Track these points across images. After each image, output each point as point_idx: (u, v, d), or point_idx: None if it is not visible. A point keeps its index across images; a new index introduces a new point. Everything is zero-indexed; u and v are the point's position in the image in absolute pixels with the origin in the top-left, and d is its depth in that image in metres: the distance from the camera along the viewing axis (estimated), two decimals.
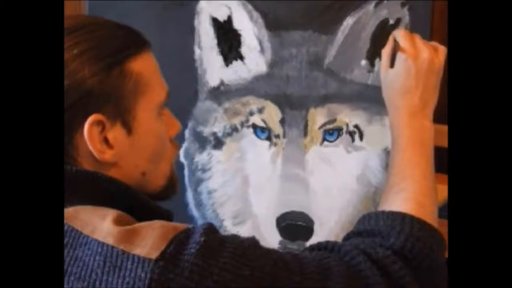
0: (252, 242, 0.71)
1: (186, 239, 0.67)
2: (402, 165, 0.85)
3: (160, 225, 0.69)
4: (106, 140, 0.75)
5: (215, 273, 0.65)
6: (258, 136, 1.09)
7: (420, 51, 0.88)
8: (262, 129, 1.09)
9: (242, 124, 1.10)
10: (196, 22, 1.08)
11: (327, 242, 0.76)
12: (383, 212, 0.79)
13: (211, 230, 0.69)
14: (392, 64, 0.90)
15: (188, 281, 0.64)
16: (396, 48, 0.90)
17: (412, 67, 0.87)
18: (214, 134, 1.11)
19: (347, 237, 0.80)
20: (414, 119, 0.87)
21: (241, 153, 1.11)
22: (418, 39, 0.90)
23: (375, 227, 0.77)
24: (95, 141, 0.74)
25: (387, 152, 1.05)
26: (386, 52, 0.92)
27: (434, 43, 0.91)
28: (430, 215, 0.79)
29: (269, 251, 0.71)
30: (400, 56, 0.89)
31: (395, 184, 0.84)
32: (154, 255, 0.65)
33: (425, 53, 0.88)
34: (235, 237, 0.71)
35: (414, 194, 0.81)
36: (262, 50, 1.07)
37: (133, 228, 0.69)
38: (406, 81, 0.88)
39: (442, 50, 0.89)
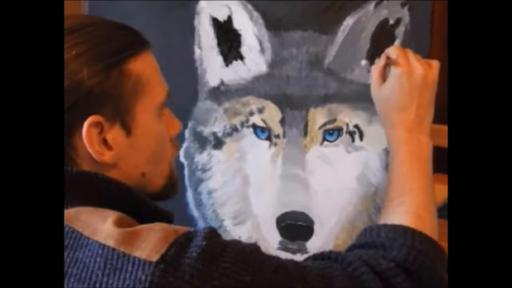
0: (254, 248, 0.71)
1: (187, 243, 0.67)
2: (401, 180, 0.85)
3: (161, 227, 0.69)
4: (105, 141, 0.75)
5: (216, 277, 0.65)
6: (258, 136, 1.09)
7: (414, 67, 0.88)
8: (262, 129, 1.09)
9: (242, 124, 1.09)
10: (196, 22, 1.08)
11: (330, 252, 0.77)
12: (384, 225, 0.79)
13: (212, 233, 0.69)
14: (383, 80, 0.90)
15: (188, 284, 0.64)
16: (389, 64, 0.90)
17: (406, 83, 0.87)
18: (214, 134, 1.11)
19: (349, 249, 0.80)
20: (410, 135, 0.87)
21: (241, 153, 1.11)
22: (411, 55, 0.90)
23: (377, 240, 0.77)
24: (93, 142, 0.74)
25: (387, 152, 1.05)
26: (377, 69, 0.92)
27: (428, 60, 0.91)
28: (429, 229, 0.79)
29: (271, 258, 0.71)
30: (394, 73, 0.89)
31: (394, 198, 0.84)
32: (154, 257, 0.65)
33: (419, 69, 0.88)
34: (237, 242, 0.71)
35: (414, 208, 0.82)
36: (262, 50, 1.07)
37: (134, 230, 0.69)
38: (401, 97, 0.88)
39: (436, 65, 0.90)
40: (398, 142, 0.88)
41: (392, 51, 0.91)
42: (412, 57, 0.89)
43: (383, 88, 0.90)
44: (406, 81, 0.87)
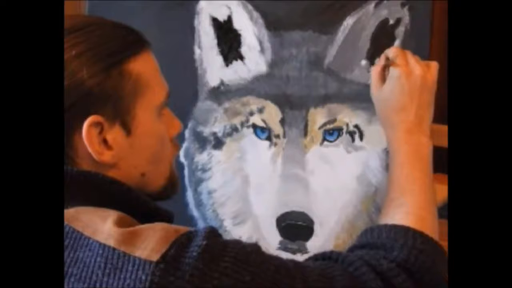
0: (255, 248, 0.71)
1: (187, 242, 0.67)
2: (402, 180, 0.85)
3: (161, 227, 0.69)
4: (105, 141, 0.75)
5: (216, 277, 0.65)
6: (258, 136, 1.09)
7: (413, 68, 0.88)
8: (262, 129, 1.09)
9: (242, 124, 1.10)
10: (196, 22, 1.08)
11: (331, 252, 0.77)
12: (385, 226, 0.79)
13: (213, 233, 0.69)
14: (383, 82, 0.91)
15: (189, 284, 0.64)
16: (388, 66, 0.90)
17: (405, 84, 0.88)
18: (214, 134, 1.11)
19: (350, 250, 0.80)
20: (411, 135, 0.88)
21: (241, 153, 1.11)
22: (410, 56, 0.90)
23: (377, 240, 0.77)
24: (93, 142, 0.74)
25: (387, 152, 1.05)
26: (376, 70, 0.92)
27: (426, 61, 0.91)
28: (430, 229, 0.80)
29: (271, 257, 0.71)
30: (393, 74, 0.89)
31: (395, 199, 0.84)
32: (155, 257, 0.65)
33: (418, 70, 0.88)
34: (237, 242, 0.71)
35: (414, 208, 0.82)
36: (262, 50, 1.07)
37: (134, 230, 0.69)
38: (401, 98, 0.88)
39: (434, 66, 0.90)
40: (398, 143, 0.88)
41: (391, 52, 0.91)
42: (411, 58, 0.90)
43: (383, 89, 0.90)
44: (406, 81, 0.88)
